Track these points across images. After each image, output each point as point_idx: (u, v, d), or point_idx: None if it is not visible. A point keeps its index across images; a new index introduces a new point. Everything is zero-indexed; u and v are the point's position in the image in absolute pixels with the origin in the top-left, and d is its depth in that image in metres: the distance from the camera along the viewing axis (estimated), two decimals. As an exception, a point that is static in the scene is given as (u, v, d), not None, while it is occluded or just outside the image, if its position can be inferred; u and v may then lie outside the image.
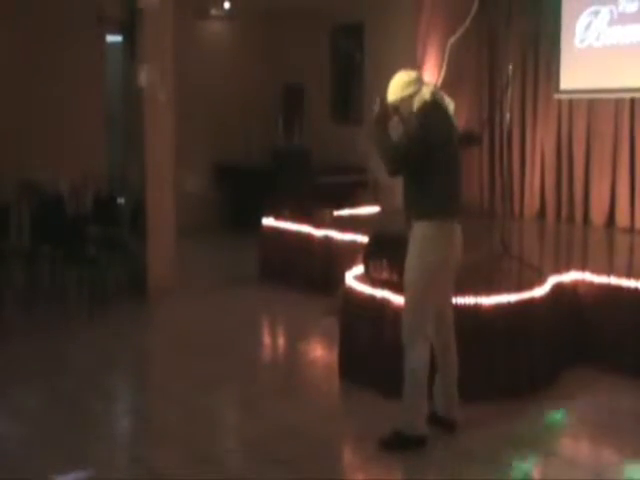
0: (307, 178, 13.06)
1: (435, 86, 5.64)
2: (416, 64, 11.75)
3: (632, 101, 10.17)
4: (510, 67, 8.64)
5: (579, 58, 10.75)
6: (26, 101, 11.76)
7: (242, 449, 5.75)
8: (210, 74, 14.28)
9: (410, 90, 5.45)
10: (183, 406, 6.36)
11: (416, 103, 5.43)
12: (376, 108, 5.56)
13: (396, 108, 5.52)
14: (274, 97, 15.03)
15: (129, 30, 9.86)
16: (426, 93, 5.43)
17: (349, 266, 7.31)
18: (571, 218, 10.88)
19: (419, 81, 5.51)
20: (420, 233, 5.38)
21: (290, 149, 14.48)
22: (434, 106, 5.44)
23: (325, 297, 8.80)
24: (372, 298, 6.54)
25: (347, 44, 13.97)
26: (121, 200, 10.29)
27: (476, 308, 6.27)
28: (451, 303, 5.79)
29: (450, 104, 5.55)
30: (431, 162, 5.29)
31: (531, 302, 6.51)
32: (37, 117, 11.86)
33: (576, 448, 5.75)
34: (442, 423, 5.70)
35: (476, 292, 6.32)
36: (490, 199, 11.86)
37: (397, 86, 5.50)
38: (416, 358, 5.41)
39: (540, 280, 6.83)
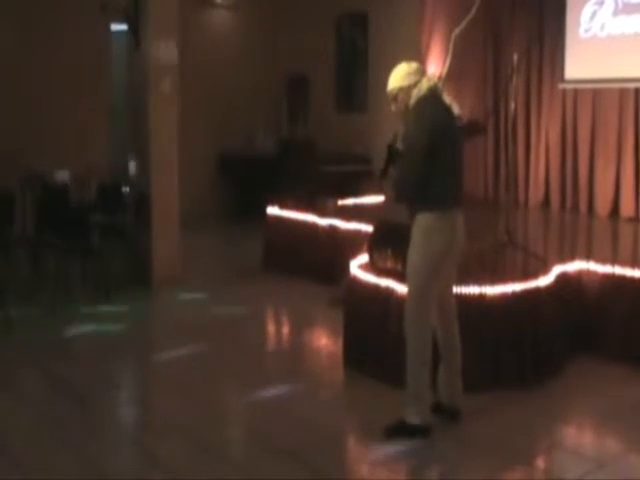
0: (312, 167, 13.05)
1: (436, 80, 5.63)
2: (420, 54, 11.74)
3: (636, 91, 10.17)
4: (515, 57, 8.63)
5: (584, 48, 10.74)
6: (30, 91, 11.78)
7: (246, 439, 5.77)
8: (214, 63, 14.27)
9: (409, 81, 5.46)
10: (187, 396, 6.37)
11: (413, 97, 5.44)
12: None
13: (394, 97, 5.54)
14: (279, 86, 15.01)
15: (133, 19, 9.84)
16: (424, 86, 5.43)
17: (354, 255, 7.31)
18: (575, 207, 10.89)
19: (419, 73, 5.52)
20: (422, 224, 5.38)
21: (295, 138, 14.49)
22: (431, 99, 5.43)
23: (330, 286, 8.81)
24: (377, 287, 6.54)
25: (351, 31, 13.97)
26: (125, 190, 10.30)
27: (481, 297, 6.28)
28: (454, 292, 5.79)
29: (452, 103, 5.55)
30: (432, 154, 5.28)
31: (536, 292, 6.51)
32: (41, 107, 11.88)
33: (580, 438, 5.76)
34: (446, 412, 5.71)
35: (481, 281, 6.32)
36: (495, 188, 11.87)
37: (397, 76, 5.52)
38: (419, 347, 5.42)
39: (544, 270, 6.83)
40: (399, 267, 6.25)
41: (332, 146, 13.76)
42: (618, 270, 7.04)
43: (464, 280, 6.14)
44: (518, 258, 7.75)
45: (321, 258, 9.66)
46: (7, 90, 11.54)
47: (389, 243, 6.53)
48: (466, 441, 5.48)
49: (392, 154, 5.54)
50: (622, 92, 10.32)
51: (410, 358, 5.44)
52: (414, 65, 5.56)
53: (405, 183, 5.39)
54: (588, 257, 7.37)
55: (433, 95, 5.45)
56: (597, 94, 10.63)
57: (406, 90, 5.47)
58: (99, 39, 12.63)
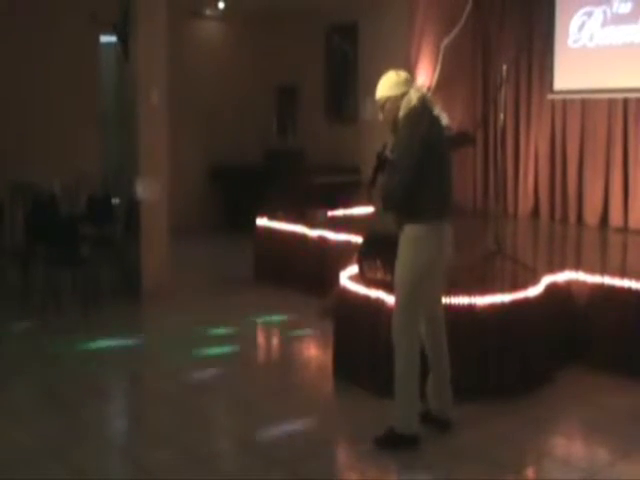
0: (301, 178, 13.06)
1: (425, 91, 5.63)
2: (410, 64, 11.77)
3: (625, 101, 10.21)
4: (504, 67, 8.65)
5: (572, 58, 10.78)
6: (20, 101, 11.77)
7: (237, 449, 5.74)
8: (204, 74, 14.29)
9: (397, 91, 5.46)
10: (178, 407, 6.36)
11: (403, 108, 5.43)
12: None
13: (382, 106, 5.54)
14: (268, 97, 15.03)
15: (123, 30, 9.85)
16: (414, 97, 5.43)
17: (343, 266, 7.31)
18: (565, 218, 10.91)
19: (408, 83, 5.51)
20: (410, 235, 5.39)
21: (284, 149, 14.50)
22: (421, 110, 5.43)
23: (320, 297, 8.80)
24: (366, 298, 6.54)
25: (341, 42, 13.99)
26: (115, 200, 10.29)
27: (470, 308, 6.28)
28: (441, 303, 5.80)
29: (442, 114, 5.56)
30: (421, 166, 5.29)
31: (525, 302, 6.51)
32: (31, 117, 11.87)
33: (569, 448, 5.75)
34: (436, 422, 5.71)
35: (470, 292, 6.32)
36: (484, 199, 11.89)
37: (385, 85, 5.52)
38: (407, 357, 5.42)
39: (534, 280, 6.84)
40: (388, 278, 6.23)
41: (321, 157, 13.78)
42: (607, 280, 7.04)
43: (454, 290, 6.15)
44: (507, 268, 7.76)
45: (311, 269, 9.66)
46: (-4, 101, 11.55)
47: (378, 254, 6.52)
48: (455, 451, 5.48)
49: (381, 162, 5.54)
50: (611, 102, 10.36)
51: (398, 368, 5.45)
52: (403, 75, 5.56)
53: (393, 194, 5.39)
54: (577, 267, 7.39)
55: (423, 106, 5.45)
56: (586, 104, 10.66)
57: (394, 100, 5.47)
58: (89, 50, 12.64)
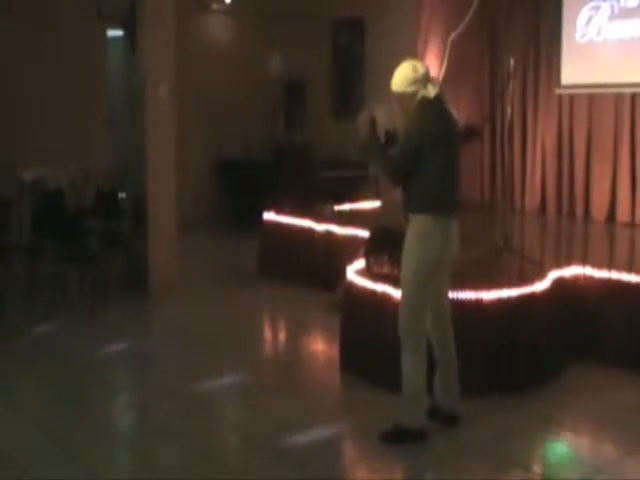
0: (308, 173, 13.05)
1: (441, 87, 5.61)
2: (417, 59, 11.75)
3: (633, 96, 10.20)
4: (511, 62, 8.64)
5: (580, 53, 10.77)
6: (27, 96, 11.76)
7: (243, 444, 5.75)
8: (211, 69, 14.26)
9: (415, 88, 5.43)
10: (184, 401, 6.37)
11: (420, 102, 5.43)
12: (364, 128, 5.64)
13: (397, 98, 5.53)
14: (275, 92, 15.01)
15: (130, 25, 9.85)
16: (431, 92, 5.42)
17: (350, 261, 7.31)
18: (572, 213, 10.91)
19: (426, 79, 5.47)
20: (417, 227, 5.39)
21: (291, 144, 14.48)
22: (435, 103, 5.43)
23: (326, 291, 8.80)
24: (373, 293, 6.54)
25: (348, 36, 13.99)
26: (122, 195, 10.29)
27: (477, 303, 6.28)
28: (448, 297, 5.79)
29: (451, 108, 5.57)
30: (429, 157, 5.29)
31: (532, 297, 6.51)
32: (38, 112, 11.86)
33: (577, 443, 5.75)
34: (444, 417, 5.71)
35: (477, 287, 6.32)
36: (491, 194, 11.89)
37: (404, 80, 5.45)
38: (413, 352, 5.42)
39: (541, 275, 6.83)
40: (395, 272, 6.23)
41: (329, 151, 13.76)
42: (614, 275, 7.03)
43: (460, 285, 6.15)
44: (514, 263, 7.75)
45: (317, 264, 9.65)
46: (3, 96, 11.52)
47: (385, 248, 6.53)
48: (462, 446, 5.48)
49: (390, 137, 5.55)
50: (618, 97, 10.34)
51: (405, 363, 5.45)
52: (420, 70, 5.46)
53: (396, 170, 5.44)
54: (584, 262, 7.37)
55: (438, 99, 5.44)
56: (593, 99, 10.65)
57: (410, 96, 5.45)
58: (96, 45, 12.63)
